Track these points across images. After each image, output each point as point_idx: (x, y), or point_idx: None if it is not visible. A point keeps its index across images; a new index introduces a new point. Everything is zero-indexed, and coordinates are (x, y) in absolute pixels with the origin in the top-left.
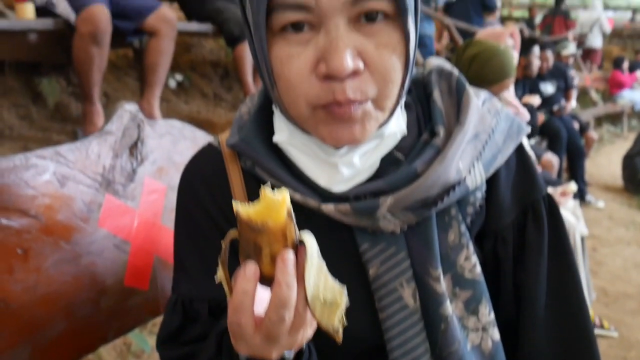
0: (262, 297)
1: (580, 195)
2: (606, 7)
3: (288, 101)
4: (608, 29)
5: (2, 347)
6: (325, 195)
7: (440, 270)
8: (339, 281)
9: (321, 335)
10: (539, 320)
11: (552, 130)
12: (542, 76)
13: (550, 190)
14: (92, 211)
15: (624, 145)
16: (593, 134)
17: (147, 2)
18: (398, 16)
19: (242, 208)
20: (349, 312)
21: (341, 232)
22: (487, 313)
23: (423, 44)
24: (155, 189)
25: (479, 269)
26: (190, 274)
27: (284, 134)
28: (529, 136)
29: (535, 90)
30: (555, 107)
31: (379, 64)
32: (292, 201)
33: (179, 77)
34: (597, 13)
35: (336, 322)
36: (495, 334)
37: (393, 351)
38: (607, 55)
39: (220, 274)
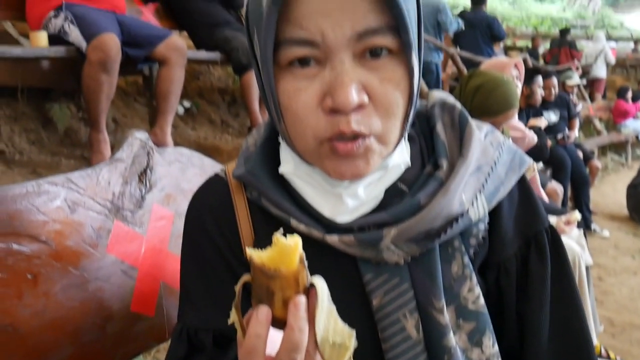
0: (273, 337)
1: (585, 224)
2: (609, 38)
3: (294, 134)
4: (612, 59)
5: None
6: (330, 226)
7: (443, 302)
8: (345, 313)
9: None
10: (542, 352)
11: (556, 159)
12: (545, 105)
13: (554, 219)
14: (101, 237)
15: (628, 174)
16: (597, 162)
17: (158, 31)
18: (402, 52)
19: (255, 254)
20: None
21: (345, 263)
22: (490, 345)
23: (430, 71)
24: (163, 216)
25: (482, 300)
26: (196, 304)
27: (289, 165)
28: (540, 159)
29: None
30: (560, 136)
31: (384, 98)
32: (297, 231)
33: (187, 103)
34: (601, 44)
35: None
36: None
37: None
38: (610, 85)
39: (233, 317)
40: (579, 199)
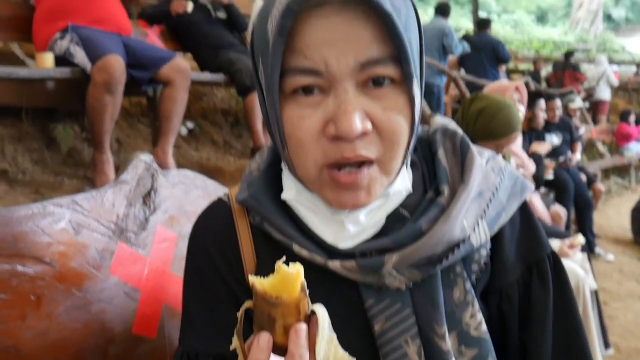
0: None
1: (589, 248)
2: (611, 61)
3: (297, 161)
4: (615, 81)
5: None
6: (332, 252)
7: (445, 328)
8: (347, 338)
9: None
10: None
11: (559, 182)
12: (548, 128)
13: (558, 242)
14: (105, 259)
15: (632, 198)
16: (600, 186)
17: (162, 53)
18: (404, 81)
19: (257, 281)
20: None
21: (347, 288)
22: None
23: (431, 92)
24: (166, 238)
25: (484, 326)
26: (197, 328)
27: (292, 191)
28: (535, 187)
29: (541, 141)
30: (562, 159)
31: (386, 126)
32: (299, 257)
33: (190, 124)
34: (603, 67)
35: None
36: None
37: None
38: (613, 108)
39: (235, 343)
40: (583, 222)
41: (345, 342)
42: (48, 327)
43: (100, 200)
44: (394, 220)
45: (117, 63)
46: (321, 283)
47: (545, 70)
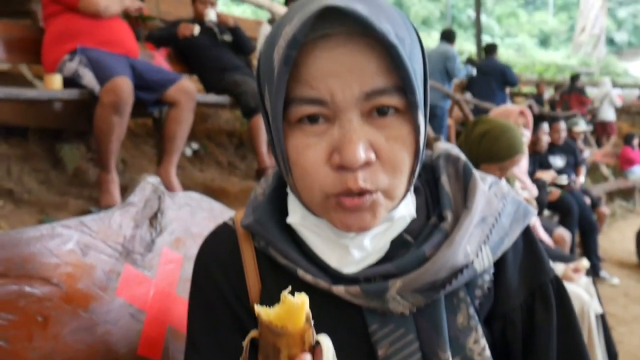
0: None
1: (593, 272)
2: (614, 84)
3: (302, 188)
4: (618, 102)
5: None
6: (336, 276)
7: (449, 353)
8: None
9: None
10: None
11: (563, 205)
12: (552, 150)
13: (562, 266)
14: (111, 280)
15: (636, 221)
16: (605, 209)
17: (169, 75)
18: (408, 110)
19: (263, 311)
20: None
21: (351, 312)
22: None
23: (434, 115)
24: (172, 259)
25: (488, 352)
26: (201, 351)
27: (297, 216)
28: (538, 213)
29: (544, 164)
30: (566, 182)
31: (390, 156)
32: (304, 282)
33: (195, 145)
34: (607, 88)
35: None
36: None
37: None
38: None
39: None
40: (587, 245)
41: None
42: (54, 348)
43: (107, 221)
44: (397, 245)
45: (125, 85)
46: (325, 307)
47: (548, 93)
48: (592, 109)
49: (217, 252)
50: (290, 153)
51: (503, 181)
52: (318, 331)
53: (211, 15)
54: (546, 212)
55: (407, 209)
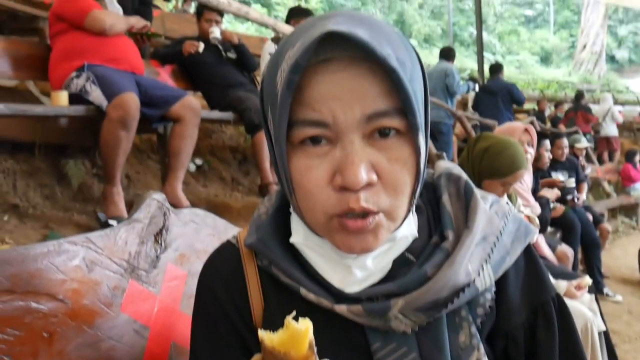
0: None
1: (596, 289)
2: (615, 101)
3: (305, 208)
4: (619, 117)
5: None
6: (339, 296)
7: None
8: None
9: None
10: None
11: (566, 222)
12: (554, 166)
13: (565, 283)
14: (116, 296)
15: (639, 238)
16: (607, 226)
17: (174, 92)
18: (409, 132)
19: (267, 336)
20: None
21: (353, 331)
22: None
23: (440, 131)
24: (177, 276)
25: None
26: None
27: (300, 235)
28: (541, 230)
29: (548, 179)
30: (569, 197)
31: (392, 177)
32: (306, 300)
33: (198, 161)
34: (609, 104)
35: None
36: None
37: None
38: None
39: None
40: (590, 262)
41: None
42: None
43: (113, 238)
44: (400, 264)
45: (132, 100)
46: (328, 326)
47: (549, 109)
48: (593, 124)
49: (220, 270)
50: (293, 174)
51: (504, 200)
52: (321, 350)
53: (216, 33)
54: (549, 229)
55: (409, 229)
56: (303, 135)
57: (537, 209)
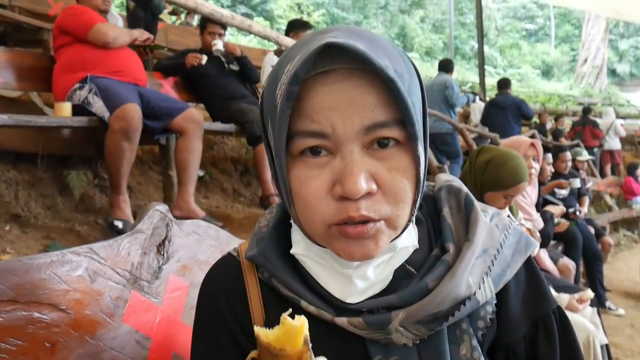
0: None
1: (598, 302)
2: (617, 115)
3: (304, 218)
4: (622, 131)
5: None
6: (340, 307)
7: None
8: None
9: None
10: None
11: (567, 235)
12: (556, 179)
13: (567, 296)
14: (118, 307)
15: None
16: (609, 239)
17: (176, 104)
18: (408, 142)
19: (262, 332)
20: None
21: (354, 343)
22: None
23: (445, 142)
24: (179, 287)
25: None
26: None
27: (300, 246)
28: (543, 245)
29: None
30: (571, 210)
31: (391, 186)
32: (307, 313)
33: (200, 172)
34: (612, 118)
35: None
36: None
37: None
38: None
39: None
40: (592, 275)
41: None
42: None
43: (116, 248)
44: (400, 277)
45: (134, 111)
46: (329, 338)
47: (551, 122)
48: (601, 139)
49: (221, 282)
50: (292, 184)
51: (505, 212)
52: None
53: (219, 45)
54: (551, 242)
55: (409, 239)
56: (303, 146)
57: (540, 224)
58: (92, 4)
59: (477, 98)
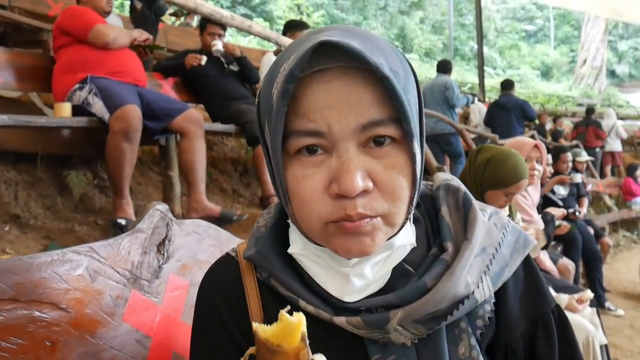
0: None
1: (598, 302)
2: (616, 116)
3: (301, 217)
4: (624, 133)
5: None
6: (338, 306)
7: None
8: None
9: None
10: None
11: (567, 236)
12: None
13: (566, 297)
14: (118, 306)
15: None
16: (608, 240)
17: (176, 104)
18: (404, 140)
19: (260, 328)
20: None
21: (353, 342)
22: None
23: (448, 142)
24: (179, 286)
25: None
26: None
27: (297, 246)
28: (544, 247)
29: (548, 193)
30: (571, 210)
31: (388, 183)
32: (306, 312)
33: None
34: (613, 120)
35: None
36: None
37: None
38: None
39: None
40: (592, 276)
41: None
42: None
43: (117, 248)
44: (398, 276)
45: (134, 112)
46: (327, 338)
47: (550, 123)
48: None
49: (219, 282)
50: (289, 183)
51: (504, 211)
52: None
53: (218, 46)
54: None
55: (407, 238)
56: (299, 145)
57: (540, 225)
58: (96, 6)
59: (476, 99)
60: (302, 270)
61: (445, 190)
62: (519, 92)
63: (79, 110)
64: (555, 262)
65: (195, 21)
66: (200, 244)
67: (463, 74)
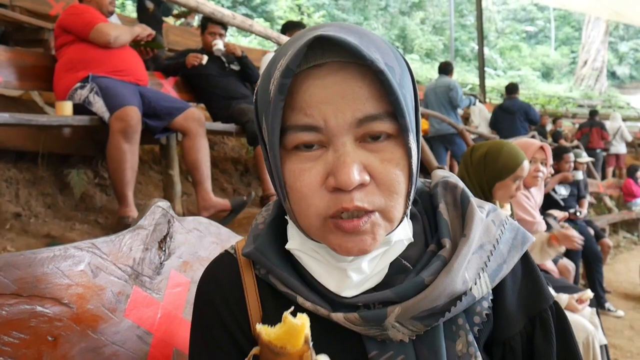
0: None
1: (598, 303)
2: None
3: (299, 212)
4: (629, 136)
5: None
6: (336, 302)
7: None
8: None
9: None
10: None
11: None
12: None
13: (566, 297)
14: (120, 302)
15: None
16: (609, 241)
17: (177, 103)
18: (400, 135)
19: (264, 330)
20: None
21: (351, 339)
22: None
23: (453, 142)
24: (180, 283)
25: None
26: None
27: (295, 241)
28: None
29: (549, 192)
30: (571, 211)
31: (385, 177)
32: (303, 308)
33: None
34: (618, 123)
35: None
36: None
37: None
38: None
39: None
40: (592, 276)
41: None
42: None
43: (118, 244)
44: (396, 271)
45: (133, 113)
46: (325, 334)
47: (551, 124)
48: (606, 142)
49: (218, 279)
50: (286, 178)
51: (507, 210)
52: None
53: (219, 45)
54: None
55: (404, 233)
56: (296, 140)
57: (543, 226)
58: (99, 5)
59: (477, 101)
60: (300, 267)
61: (443, 187)
62: (520, 93)
63: (80, 109)
64: (555, 262)
65: (196, 21)
66: (202, 241)
67: (464, 75)
